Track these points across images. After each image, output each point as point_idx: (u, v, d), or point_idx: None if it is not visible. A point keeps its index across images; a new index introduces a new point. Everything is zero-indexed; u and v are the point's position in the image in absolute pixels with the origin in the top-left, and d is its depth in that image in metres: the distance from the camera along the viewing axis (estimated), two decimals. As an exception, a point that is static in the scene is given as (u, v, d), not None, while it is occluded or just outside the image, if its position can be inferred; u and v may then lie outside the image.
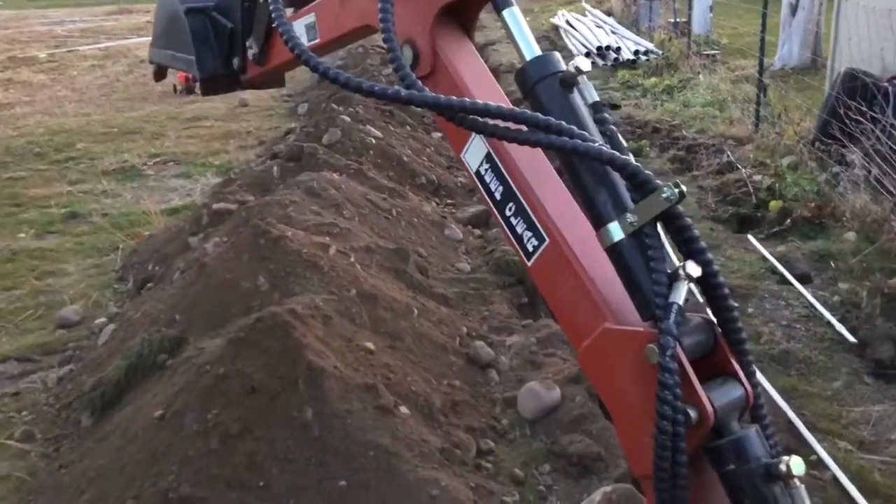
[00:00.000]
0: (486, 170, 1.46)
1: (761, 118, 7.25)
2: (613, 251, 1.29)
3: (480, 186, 1.47)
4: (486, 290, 4.92)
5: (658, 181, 1.25)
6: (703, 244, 1.27)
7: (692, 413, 1.17)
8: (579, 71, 1.31)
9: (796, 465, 1.15)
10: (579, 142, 1.25)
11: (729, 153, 6.63)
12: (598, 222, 1.31)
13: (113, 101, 12.04)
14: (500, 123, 1.32)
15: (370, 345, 3.64)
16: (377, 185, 5.79)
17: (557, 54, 1.37)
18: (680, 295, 1.21)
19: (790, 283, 4.71)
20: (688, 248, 1.26)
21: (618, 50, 11.27)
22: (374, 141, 6.60)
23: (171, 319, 4.08)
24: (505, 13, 1.39)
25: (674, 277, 1.23)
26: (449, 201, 6.33)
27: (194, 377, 3.29)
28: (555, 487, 3.25)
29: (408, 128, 7.53)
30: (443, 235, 5.54)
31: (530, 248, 1.40)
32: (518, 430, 3.59)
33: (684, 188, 1.23)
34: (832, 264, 4.83)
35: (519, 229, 1.41)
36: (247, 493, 2.92)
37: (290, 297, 3.72)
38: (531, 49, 1.37)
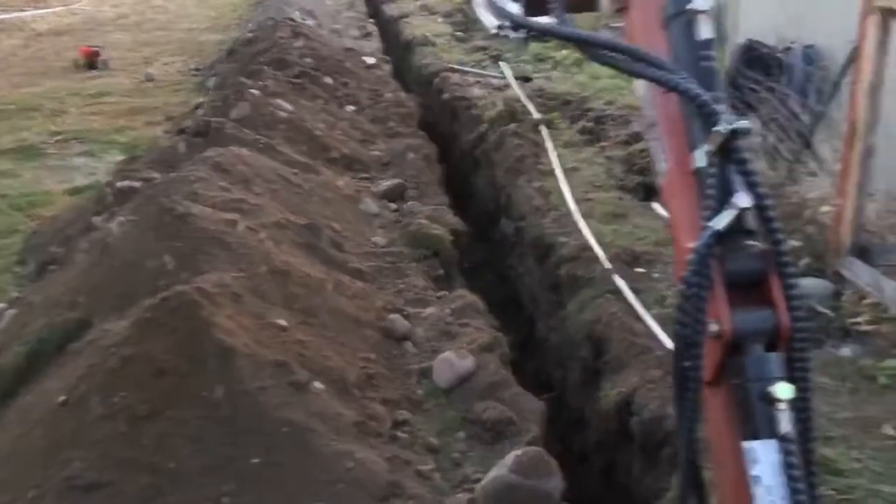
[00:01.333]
0: (644, 99, 1.69)
1: (667, 89, 7.44)
2: (695, 175, 1.44)
3: (643, 112, 1.72)
4: (402, 263, 4.93)
5: (724, 115, 1.36)
6: (757, 178, 1.36)
7: (713, 326, 1.30)
8: (698, 11, 1.51)
9: (782, 389, 1.25)
10: (663, 73, 1.45)
11: (636, 124, 6.79)
12: (690, 149, 1.47)
13: (9, 77, 11.44)
14: (620, 58, 1.57)
15: (283, 321, 3.61)
16: (288, 159, 5.71)
17: (696, 2, 1.53)
18: (721, 221, 1.31)
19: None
20: (745, 180, 1.36)
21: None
22: (285, 115, 6.49)
23: (73, 302, 3.95)
24: None
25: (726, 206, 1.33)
26: (363, 175, 6.29)
27: (99, 360, 3.20)
28: (469, 454, 3.31)
29: (320, 101, 7.43)
30: (357, 210, 5.52)
31: (660, 168, 1.60)
32: (433, 400, 3.64)
33: (746, 123, 1.34)
34: (732, 229, 5.03)
35: (657, 151, 1.61)
36: (157, 476, 2.88)
37: (198, 276, 3.65)
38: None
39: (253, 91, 6.73)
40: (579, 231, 5.26)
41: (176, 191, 4.50)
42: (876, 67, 3.92)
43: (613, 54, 1.59)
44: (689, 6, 1.53)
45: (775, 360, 1.31)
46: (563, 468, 3.13)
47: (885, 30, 3.87)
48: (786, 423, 1.25)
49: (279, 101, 6.72)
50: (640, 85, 1.71)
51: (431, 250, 5.07)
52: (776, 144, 5.38)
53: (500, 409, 3.50)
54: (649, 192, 5.91)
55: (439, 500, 2.99)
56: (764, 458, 1.28)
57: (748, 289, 1.34)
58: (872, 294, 4.02)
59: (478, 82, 8.91)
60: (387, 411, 3.43)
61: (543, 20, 1.84)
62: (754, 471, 1.29)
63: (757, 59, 5.89)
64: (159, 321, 3.25)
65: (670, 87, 1.45)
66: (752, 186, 1.34)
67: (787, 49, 5.76)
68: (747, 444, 1.30)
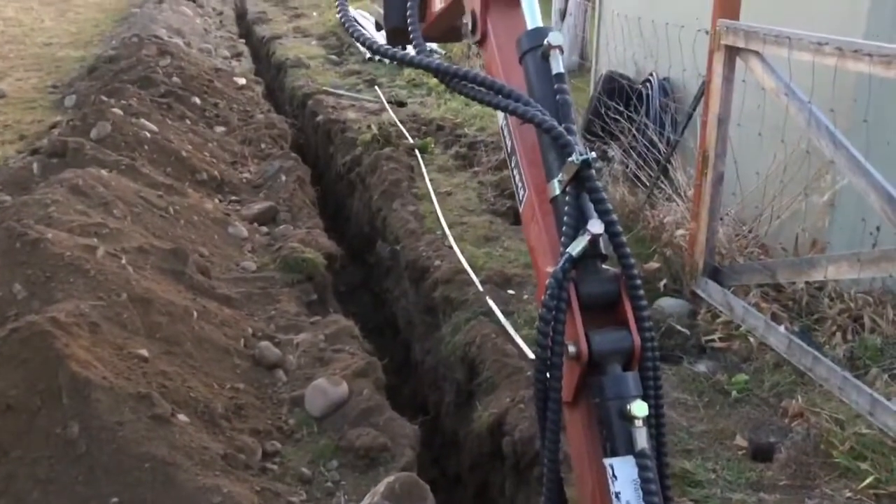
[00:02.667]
0: (505, 127, 1.74)
1: (535, 116, 7.69)
2: (553, 203, 1.53)
3: (503, 140, 1.77)
4: (273, 288, 4.83)
5: (576, 146, 1.46)
6: (608, 206, 1.44)
7: (571, 348, 1.36)
8: (553, 46, 1.58)
9: (637, 407, 1.31)
10: (520, 105, 1.53)
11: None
12: (547, 178, 1.55)
13: None
14: (476, 89, 1.64)
15: (144, 352, 3.45)
16: (152, 181, 5.49)
17: (549, 29, 1.64)
18: (576, 247, 1.39)
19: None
20: (595, 208, 1.44)
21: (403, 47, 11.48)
22: (149, 135, 6.24)
23: None
24: None
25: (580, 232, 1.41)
26: (233, 198, 6.13)
27: (-64, 399, 2.95)
28: (342, 482, 3.26)
29: (187, 121, 7.20)
30: (226, 234, 5.37)
31: (520, 195, 1.68)
32: (305, 429, 3.56)
33: (594, 154, 1.44)
34: (597, 252, 5.23)
35: (516, 179, 1.69)
36: (2, 522, 2.67)
37: (52, 305, 3.44)
38: (535, 21, 1.69)
39: (115, 110, 6.44)
40: (453, 254, 5.33)
41: (28, 214, 4.23)
42: (723, 100, 4.20)
43: (473, 86, 1.64)
44: (544, 41, 1.61)
45: (631, 379, 1.38)
46: (438, 491, 3.14)
47: (730, 66, 4.16)
48: (642, 440, 1.31)
49: (143, 121, 6.46)
50: (500, 115, 1.77)
51: (304, 274, 4.99)
52: (636, 171, 5.65)
53: (373, 435, 3.47)
54: (519, 217, 6.06)
55: (311, 532, 2.93)
56: (622, 474, 1.34)
57: (604, 310, 1.42)
58: (724, 313, 4.28)
59: (352, 105, 8.91)
60: (256, 442, 3.33)
61: (404, 51, 1.88)
62: (615, 487, 1.34)
63: (618, 89, 6.18)
64: (6, 354, 3.04)
65: (527, 119, 1.53)
66: (603, 213, 1.42)
67: (646, 81, 6.09)
68: (607, 461, 1.35)
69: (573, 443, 1.50)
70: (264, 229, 5.66)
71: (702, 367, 4.02)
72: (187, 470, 2.92)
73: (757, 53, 3.99)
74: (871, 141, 3.62)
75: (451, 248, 5.43)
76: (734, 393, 3.76)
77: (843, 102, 3.86)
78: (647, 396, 1.41)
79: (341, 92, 9.38)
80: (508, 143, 1.73)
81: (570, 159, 1.43)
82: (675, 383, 3.90)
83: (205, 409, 3.34)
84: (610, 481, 1.35)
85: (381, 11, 2.48)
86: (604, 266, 1.47)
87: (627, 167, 5.67)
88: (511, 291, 4.88)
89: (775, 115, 4.12)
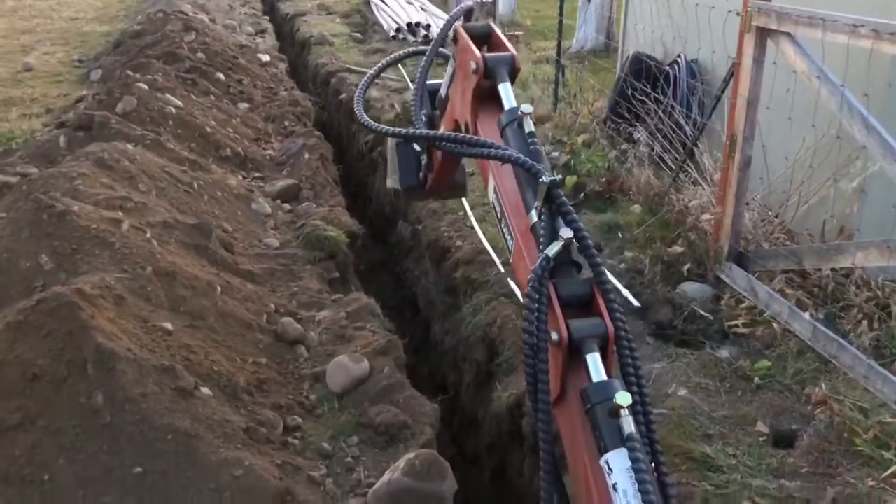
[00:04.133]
0: (494, 198, 2.00)
1: (559, 98, 7.63)
2: (533, 231, 1.74)
3: (494, 209, 2.03)
4: (296, 265, 4.84)
5: (543, 172, 1.71)
6: (575, 217, 1.68)
7: (554, 335, 1.53)
8: (525, 113, 1.92)
9: (621, 397, 1.40)
10: (498, 150, 1.82)
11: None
12: (526, 211, 1.80)
13: None
14: (459, 146, 1.99)
15: (168, 325, 3.48)
16: (177, 156, 5.51)
17: (520, 106, 1.95)
18: (552, 249, 1.60)
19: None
20: (563, 219, 1.67)
21: (427, 27, 11.41)
22: (173, 110, 6.26)
23: (-63, 305, 3.67)
24: (500, 86, 2.06)
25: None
26: (256, 174, 6.14)
27: (-35, 367, 2.99)
28: (362, 458, 3.28)
29: (211, 97, 7.21)
30: (250, 210, 5.39)
31: (509, 246, 1.90)
32: (326, 405, 3.58)
33: (559, 177, 1.74)
34: (620, 235, 5.20)
35: (505, 234, 1.93)
36: (29, 488, 2.72)
37: (78, 277, 3.47)
38: (510, 103, 2.00)
39: (140, 85, 6.46)
40: (475, 234, 5.31)
41: (55, 187, 4.26)
42: (753, 83, 4.13)
43: (460, 145, 1.99)
44: (518, 111, 1.93)
45: (614, 382, 1.48)
46: (455, 470, 3.15)
47: (761, 48, 4.09)
48: (629, 427, 1.39)
49: (168, 97, 6.48)
50: (490, 189, 2.06)
51: (326, 252, 5.00)
52: (661, 154, 5.60)
53: (393, 412, 3.49)
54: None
55: (331, 506, 2.95)
56: (616, 465, 1.39)
57: (580, 309, 1.61)
58: (748, 298, 4.24)
59: (375, 84, 8.86)
60: (278, 417, 3.36)
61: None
62: (611, 480, 1.38)
63: (645, 70, 6.11)
64: (33, 324, 3.07)
65: (503, 159, 1.81)
66: (571, 223, 1.67)
67: (673, 62, 6.01)
68: (602, 459, 1.42)
69: (566, 441, 1.58)
70: (287, 206, 5.67)
71: (724, 352, 3.99)
72: (209, 443, 2.95)
73: (789, 35, 3.92)
74: (905, 125, 3.55)
75: (472, 228, 5.41)
76: (757, 379, 3.73)
77: (878, 86, 3.79)
78: (629, 384, 1.53)
79: (365, 70, 9.35)
80: (498, 209, 1.98)
81: (540, 180, 1.68)
82: (696, 368, 3.88)
83: (227, 382, 3.36)
84: (606, 476, 1.40)
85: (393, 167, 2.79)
86: (577, 272, 1.68)
87: (653, 150, 5.61)
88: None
89: (806, 99, 4.05)
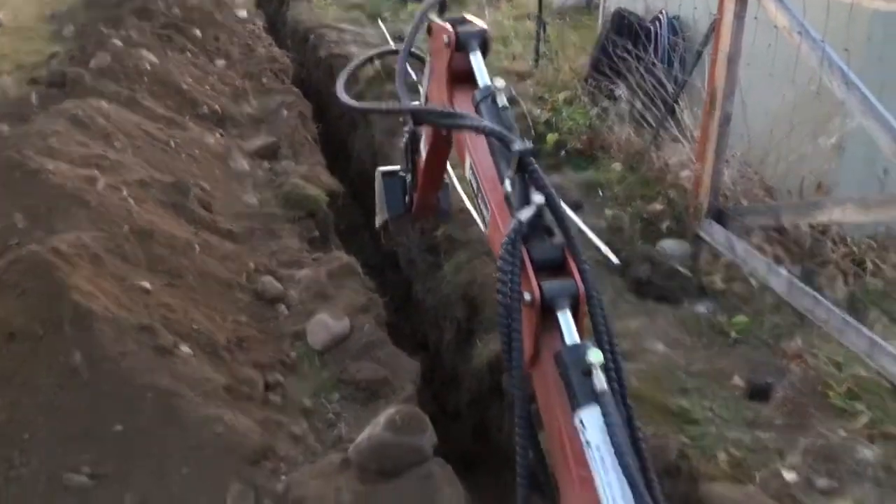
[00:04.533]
0: (471, 174, 2.04)
1: (541, 54, 7.55)
2: (507, 202, 1.78)
3: (471, 185, 2.07)
4: (275, 224, 4.81)
5: (515, 140, 1.73)
6: (546, 183, 1.70)
7: (527, 296, 1.56)
8: (498, 89, 1.98)
9: (592, 354, 1.43)
10: (473, 121, 1.87)
11: (511, 88, 6.87)
12: (500, 182, 1.82)
13: None
14: (439, 117, 2.07)
15: (146, 284, 3.46)
16: (153, 114, 5.42)
17: (495, 82, 2.01)
18: (524, 214, 1.63)
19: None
20: (535, 186, 1.70)
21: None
22: (149, 67, 6.14)
23: None
24: (471, 55, 2.13)
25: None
26: (234, 132, 6.06)
27: (-61, 327, 2.97)
28: (343, 414, 3.31)
29: (188, 54, 7.08)
30: (228, 168, 5.33)
31: (486, 218, 1.93)
32: (307, 362, 3.59)
33: (530, 145, 1.72)
34: (600, 193, 5.20)
35: (483, 209, 1.96)
36: (8, 447, 2.71)
37: (53, 235, 3.43)
38: (484, 80, 2.06)
39: (114, 41, 6.32)
40: (455, 192, 5.29)
41: (28, 144, 4.19)
42: (733, 39, 4.11)
43: (439, 117, 2.08)
44: (491, 87, 2.00)
45: (586, 343, 1.50)
46: (437, 426, 3.18)
47: (742, 3, 4.06)
48: (600, 383, 1.40)
49: (143, 53, 6.35)
50: (468, 172, 2.11)
51: (306, 211, 4.97)
52: (642, 111, 5.58)
53: (374, 368, 3.50)
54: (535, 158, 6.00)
55: (312, 461, 2.97)
56: (590, 422, 1.41)
57: (552, 272, 1.64)
58: (727, 254, 4.27)
59: (355, 41, 8.75)
60: (258, 374, 3.37)
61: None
62: (585, 436, 1.40)
63: (627, 26, 6.05)
64: (9, 283, 3.05)
65: (477, 129, 1.88)
66: (543, 189, 1.70)
67: (655, 19, 5.96)
68: (576, 416, 1.44)
69: (541, 400, 1.61)
70: (266, 164, 5.61)
71: (702, 308, 4.04)
72: (190, 400, 2.95)
73: (771, -10, 3.89)
74: (885, 81, 3.55)
75: (453, 187, 5.39)
76: (733, 334, 3.77)
77: (858, 41, 3.78)
78: (600, 342, 1.55)
79: (344, 26, 9.21)
80: (474, 184, 2.04)
81: (514, 148, 1.71)
82: (674, 324, 3.92)
83: (207, 341, 3.36)
84: (580, 432, 1.42)
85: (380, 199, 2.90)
86: (549, 238, 1.71)
87: (634, 107, 5.58)
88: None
89: (786, 55, 4.04)
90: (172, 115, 5.64)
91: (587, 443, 1.41)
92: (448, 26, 2.16)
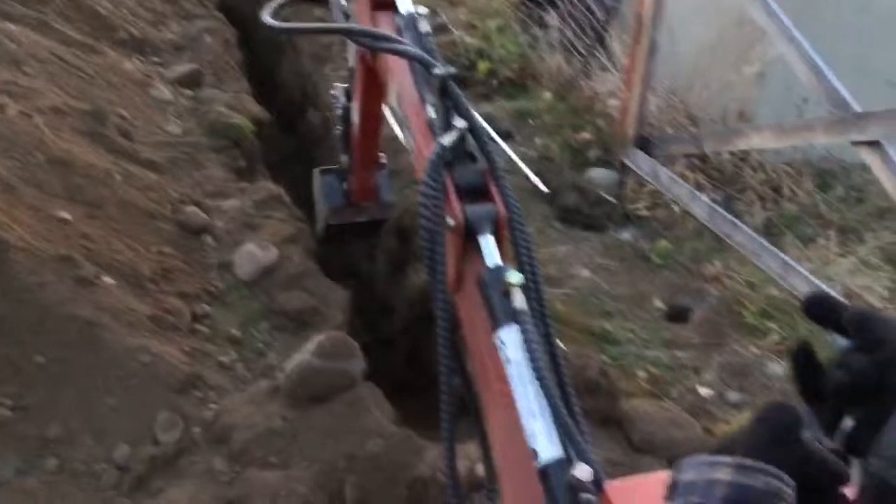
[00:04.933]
0: (396, 104, 2.02)
1: (473, -19, 7.43)
2: (430, 128, 1.75)
3: (396, 115, 2.05)
4: (200, 153, 4.68)
5: (437, 65, 1.72)
6: (468, 108, 1.67)
7: (450, 220, 1.55)
8: (420, 15, 1.98)
9: (512, 275, 1.44)
10: (397, 45, 1.87)
11: (443, 15, 6.76)
12: (424, 109, 1.81)
13: None
14: (368, 39, 2.01)
15: (65, 214, 3.35)
16: (66, 39, 5.15)
17: (417, 9, 2.02)
18: (446, 139, 1.61)
19: (494, 140, 5.03)
20: (457, 111, 1.67)
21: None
22: (60, -11, 5.81)
23: None
24: None
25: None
26: (155, 59, 5.82)
27: None
28: (273, 343, 3.31)
29: (103, -24, 6.71)
30: (148, 96, 5.13)
31: (412, 147, 1.90)
32: (235, 293, 3.56)
33: (453, 70, 1.68)
34: (530, 122, 5.22)
35: (408, 137, 1.93)
36: (-77, 382, 2.64)
37: (-39, 165, 3.28)
38: (406, 7, 2.04)
39: (21, -40, 5.94)
40: (386, 121, 5.23)
41: (-72, 70, 3.95)
42: (661, -35, 4.12)
43: (368, 39, 2.04)
44: (414, 13, 2.01)
45: (507, 267, 1.52)
46: (370, 354, 3.21)
47: (670, -71, 4.06)
48: (519, 302, 1.43)
49: (54, -27, 5.99)
50: (393, 102, 2.10)
51: (232, 140, 4.85)
52: (572, 39, 5.57)
53: (304, 298, 3.50)
54: (459, 84, 5.96)
55: (242, 389, 2.98)
56: (509, 340, 1.43)
57: (476, 196, 1.63)
58: (651, 182, 4.36)
59: None
60: (185, 305, 3.33)
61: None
62: (504, 354, 1.44)
63: (557, -46, 5.99)
64: (-86, 215, 2.91)
65: (400, 53, 1.89)
66: (465, 113, 1.66)
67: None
68: (496, 335, 1.45)
69: (465, 324, 1.63)
70: (189, 93, 5.42)
71: (626, 234, 4.14)
72: (114, 331, 2.91)
73: (698, -85, 3.89)
74: (803, 11, 3.62)
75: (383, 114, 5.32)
76: (655, 259, 3.89)
77: (779, -30, 3.82)
78: (522, 264, 1.58)
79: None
80: (400, 114, 2.02)
81: (434, 72, 1.70)
82: (600, 250, 4.01)
83: (130, 271, 3.30)
84: (500, 351, 1.45)
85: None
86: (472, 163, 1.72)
87: (564, 35, 5.57)
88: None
89: (712, -17, 4.07)
90: (88, 40, 5.37)
91: (506, 359, 1.46)
92: None
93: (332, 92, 2.97)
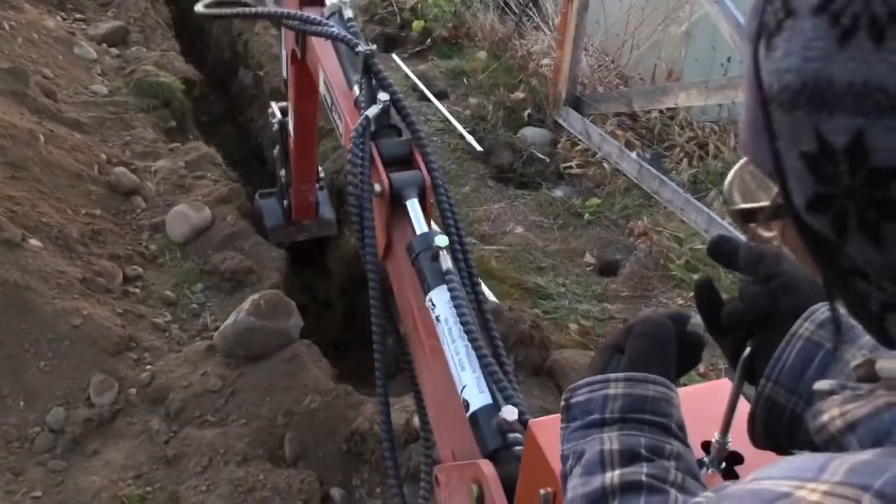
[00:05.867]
0: (324, 89, 2.17)
1: (407, -62, 7.34)
2: (357, 106, 1.88)
3: (325, 100, 2.20)
4: (128, 113, 4.57)
5: (360, 43, 1.87)
6: (391, 83, 1.83)
7: (377, 187, 1.67)
8: (343, 3, 2.17)
9: (440, 239, 1.54)
10: (322, 27, 2.03)
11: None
12: (349, 88, 1.98)
13: None
14: (298, 23, 2.18)
15: (-14, 176, 3.25)
16: (-19, -6, 4.93)
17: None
18: (371, 111, 1.75)
19: (429, 100, 5.04)
20: (381, 86, 1.82)
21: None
22: (-28, -59, 5.53)
23: None
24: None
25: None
26: (78, 16, 5.62)
27: None
28: (208, 304, 3.29)
29: (18, -73, 6.40)
30: (72, 55, 4.97)
31: (340, 129, 2.03)
32: (168, 254, 3.52)
33: (374, 47, 1.86)
34: (465, 81, 5.23)
35: (337, 120, 2.07)
36: None
37: None
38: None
39: None
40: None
41: None
42: (592, -76, 4.15)
43: (296, 22, 2.17)
44: (338, 2, 2.19)
45: (434, 232, 1.64)
46: (309, 314, 3.23)
47: None
48: (446, 263, 1.53)
49: (-36, -76, 5.70)
50: (321, 87, 2.21)
51: (160, 100, 4.74)
52: (506, -1, 5.59)
53: (238, 259, 3.48)
54: (388, 43, 5.93)
55: (177, 350, 2.97)
56: (439, 300, 1.53)
57: (401, 166, 1.77)
58: (583, 141, 4.45)
59: None
60: (116, 267, 3.28)
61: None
62: (435, 313, 1.50)
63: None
64: None
65: (327, 36, 2.03)
66: (387, 88, 1.82)
67: None
68: (426, 297, 1.56)
69: (396, 288, 1.73)
70: (114, 51, 5.26)
71: (559, 192, 4.22)
72: (43, 294, 2.86)
73: None
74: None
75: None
76: (587, 216, 3.99)
77: (705, -70, 3.89)
78: (447, 226, 1.68)
79: None
80: (329, 98, 2.13)
81: (357, 50, 1.84)
82: (533, 208, 4.09)
83: (59, 234, 3.23)
84: (430, 312, 1.53)
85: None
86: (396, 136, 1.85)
87: (497, -6, 5.58)
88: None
89: (641, -58, 4.13)
90: (4, -5, 5.14)
91: (436, 318, 1.51)
92: None
93: (269, 110, 3.12)
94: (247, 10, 2.39)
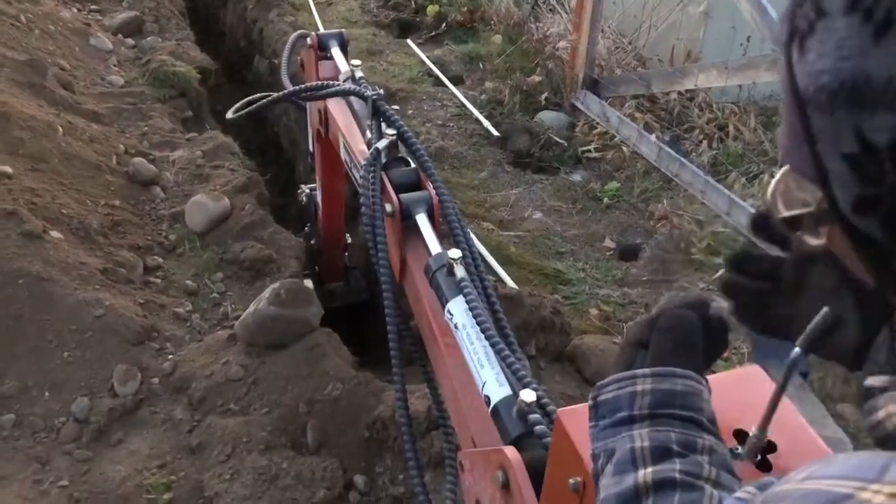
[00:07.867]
0: (345, 154, 2.29)
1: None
2: (368, 146, 2.00)
3: (346, 164, 2.32)
4: (145, 104, 4.58)
5: (367, 90, 2.06)
6: (397, 118, 1.96)
7: (388, 207, 1.79)
8: (355, 66, 2.35)
9: (453, 252, 1.63)
10: (333, 89, 2.22)
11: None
12: (363, 134, 2.15)
13: None
14: (312, 91, 2.29)
15: (7, 168, 3.27)
16: (-3, -14, 4.94)
17: (352, 62, 2.39)
18: (381, 143, 1.89)
19: (444, 85, 5.01)
20: (385, 122, 1.98)
21: None
22: (-13, -67, 5.54)
23: None
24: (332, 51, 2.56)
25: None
26: (93, 7, 5.63)
27: None
28: (228, 293, 3.30)
29: (32, -81, 6.41)
30: (88, 46, 4.98)
31: (358, 180, 2.07)
32: (187, 244, 3.53)
33: (381, 91, 2.02)
34: (481, 66, 5.20)
35: (354, 173, 2.16)
36: None
37: None
38: (343, 65, 2.43)
39: None
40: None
41: None
42: None
43: (313, 91, 2.30)
44: (350, 69, 2.36)
45: (446, 251, 1.70)
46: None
47: None
48: (460, 272, 1.60)
49: (-21, -83, 5.71)
50: (342, 153, 2.32)
51: (177, 90, 4.74)
52: (522, -19, 5.53)
53: (258, 247, 3.48)
54: (403, 29, 5.90)
55: (199, 340, 2.98)
56: (456, 310, 1.58)
57: (410, 190, 1.88)
58: (601, 124, 4.41)
59: None
60: (137, 257, 3.30)
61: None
62: (453, 321, 1.53)
63: None
64: None
65: (339, 93, 2.24)
66: (394, 124, 1.96)
67: None
68: (445, 309, 1.61)
69: (413, 302, 1.81)
70: (130, 41, 5.27)
71: (577, 176, 4.19)
72: (65, 285, 2.88)
73: None
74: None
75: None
76: (606, 199, 3.96)
77: None
78: (456, 240, 1.78)
79: None
80: (348, 159, 2.24)
81: (365, 95, 2.02)
82: (551, 192, 4.06)
83: (79, 225, 3.25)
84: (449, 321, 1.60)
85: None
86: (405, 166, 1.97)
87: (512, -23, 5.53)
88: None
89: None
90: (20, -13, 5.16)
91: (455, 326, 1.57)
92: (312, 34, 2.59)
93: (299, 191, 3.32)
94: (264, 96, 2.49)
